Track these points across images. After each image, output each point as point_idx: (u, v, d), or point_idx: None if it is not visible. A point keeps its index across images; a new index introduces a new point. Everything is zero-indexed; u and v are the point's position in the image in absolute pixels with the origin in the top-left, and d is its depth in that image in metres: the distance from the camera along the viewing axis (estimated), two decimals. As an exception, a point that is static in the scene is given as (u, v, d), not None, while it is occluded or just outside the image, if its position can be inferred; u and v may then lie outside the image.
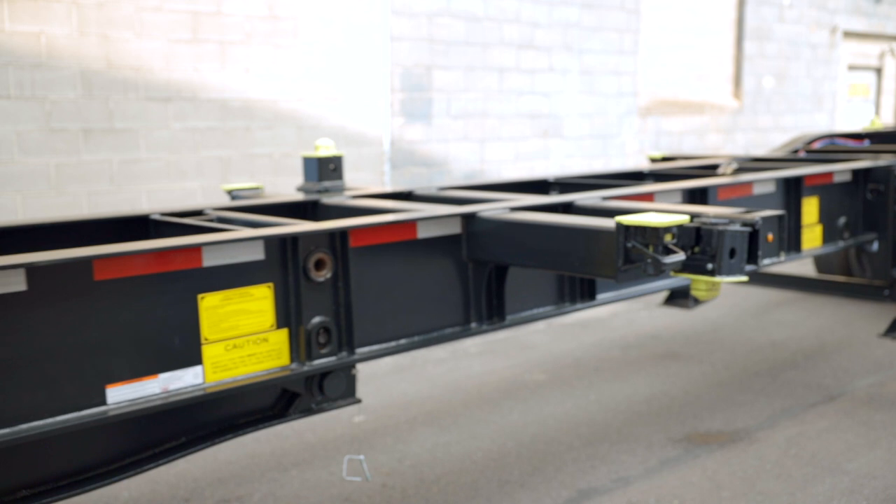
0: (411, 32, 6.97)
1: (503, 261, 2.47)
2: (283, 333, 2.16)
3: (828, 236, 3.72)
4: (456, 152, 7.40)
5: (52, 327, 1.81)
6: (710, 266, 2.15)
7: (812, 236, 3.60)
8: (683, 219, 2.13)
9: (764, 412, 4.16)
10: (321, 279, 2.18)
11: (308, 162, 3.10)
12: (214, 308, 2.03)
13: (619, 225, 2.12)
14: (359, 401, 2.39)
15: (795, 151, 5.04)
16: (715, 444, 3.78)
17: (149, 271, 1.93)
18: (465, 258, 2.50)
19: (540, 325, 5.79)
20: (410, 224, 2.38)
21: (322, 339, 2.20)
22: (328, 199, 2.95)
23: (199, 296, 2.01)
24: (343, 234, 2.22)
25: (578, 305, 2.76)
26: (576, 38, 8.19)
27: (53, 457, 2.00)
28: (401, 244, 2.37)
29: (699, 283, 2.24)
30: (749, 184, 3.35)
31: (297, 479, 3.49)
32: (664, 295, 4.79)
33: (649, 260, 2.09)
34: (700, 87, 9.77)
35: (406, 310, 2.38)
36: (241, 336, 2.09)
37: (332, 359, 2.22)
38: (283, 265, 2.15)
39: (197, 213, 2.75)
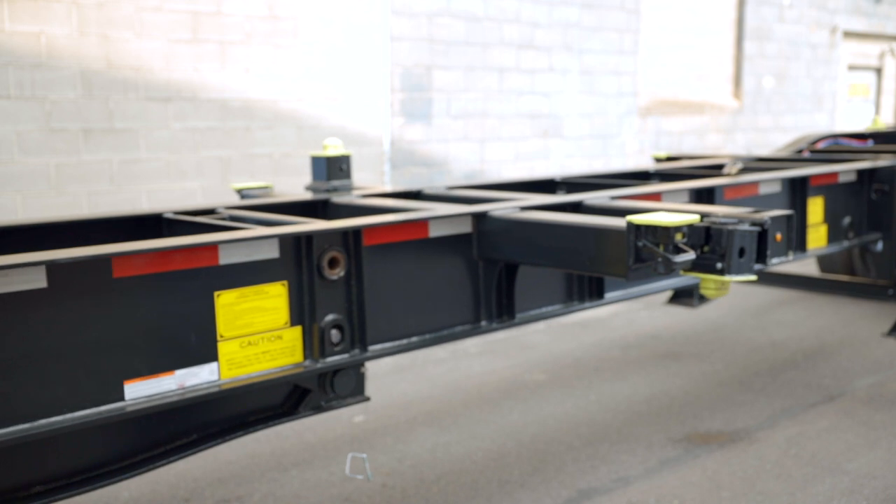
0: (411, 32, 6.98)
1: (513, 259, 2.48)
2: (297, 331, 2.18)
3: (833, 236, 3.74)
4: (456, 152, 7.41)
5: (71, 324, 1.82)
6: (719, 265, 2.16)
7: (817, 236, 3.62)
8: (694, 218, 2.15)
9: (764, 412, 4.18)
10: (335, 277, 2.20)
11: (317, 161, 3.11)
12: (230, 305, 2.05)
13: (630, 224, 2.14)
14: (368, 398, 2.40)
15: (799, 151, 5.06)
16: (715, 444, 3.80)
17: (166, 269, 1.94)
18: (476, 257, 2.52)
19: (540, 325, 5.80)
20: (422, 223, 2.40)
21: (335, 337, 2.21)
22: (338, 199, 2.97)
23: (216, 293, 2.02)
24: (357, 232, 2.24)
25: (587, 304, 2.78)
26: (576, 38, 8.21)
27: (66, 453, 2.00)
28: (413, 243, 2.38)
29: (708, 283, 2.26)
30: (755, 184, 3.37)
31: (297, 479, 3.50)
32: (667, 294, 4.80)
33: (660, 259, 2.11)
34: (700, 87, 9.80)
35: (417, 308, 2.40)
36: (256, 333, 2.10)
37: (344, 356, 2.24)
38: (298, 263, 2.16)
39: (209, 211, 2.77)
